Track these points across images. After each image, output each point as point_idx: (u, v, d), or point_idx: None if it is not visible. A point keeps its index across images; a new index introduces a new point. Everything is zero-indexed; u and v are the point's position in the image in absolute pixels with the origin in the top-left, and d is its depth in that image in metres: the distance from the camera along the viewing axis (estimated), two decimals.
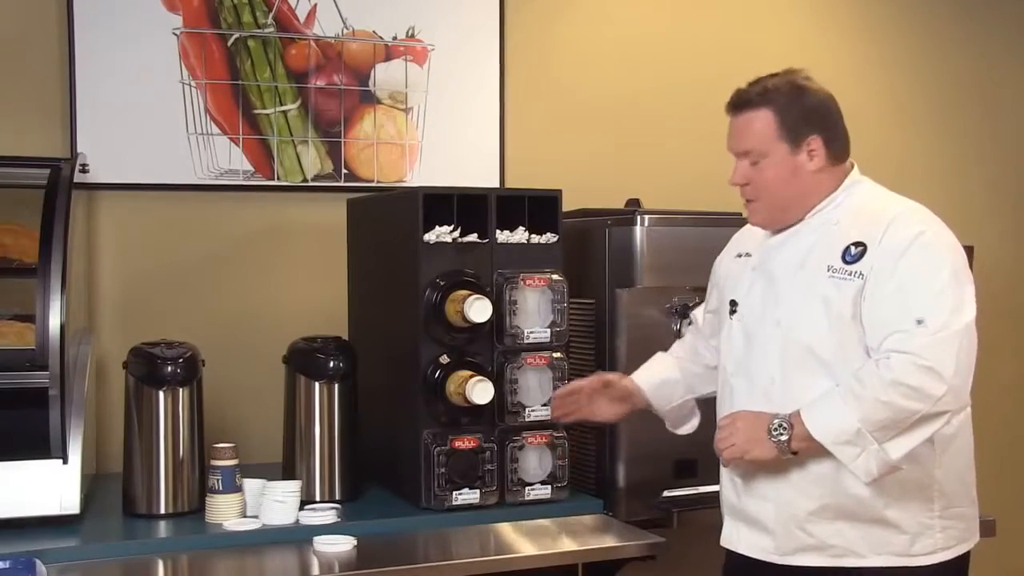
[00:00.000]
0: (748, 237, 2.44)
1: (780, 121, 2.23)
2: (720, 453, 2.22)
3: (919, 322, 2.07)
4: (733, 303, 2.36)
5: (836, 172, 2.27)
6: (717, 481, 2.40)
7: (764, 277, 2.31)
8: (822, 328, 2.17)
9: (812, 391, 2.15)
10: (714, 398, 2.54)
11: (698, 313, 2.63)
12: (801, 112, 2.23)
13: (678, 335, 2.76)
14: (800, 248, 2.26)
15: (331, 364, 2.74)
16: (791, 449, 2.13)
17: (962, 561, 2.26)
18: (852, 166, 2.31)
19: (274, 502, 2.53)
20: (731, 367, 2.35)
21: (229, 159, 3.23)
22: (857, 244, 2.18)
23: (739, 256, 2.42)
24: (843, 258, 2.18)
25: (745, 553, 2.30)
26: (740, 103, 2.27)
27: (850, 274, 2.16)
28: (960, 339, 2.07)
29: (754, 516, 2.27)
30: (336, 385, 2.74)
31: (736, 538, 2.33)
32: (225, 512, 2.53)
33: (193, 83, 3.19)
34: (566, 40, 3.65)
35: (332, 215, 3.23)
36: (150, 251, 3.17)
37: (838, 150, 2.27)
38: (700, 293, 2.67)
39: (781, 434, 2.12)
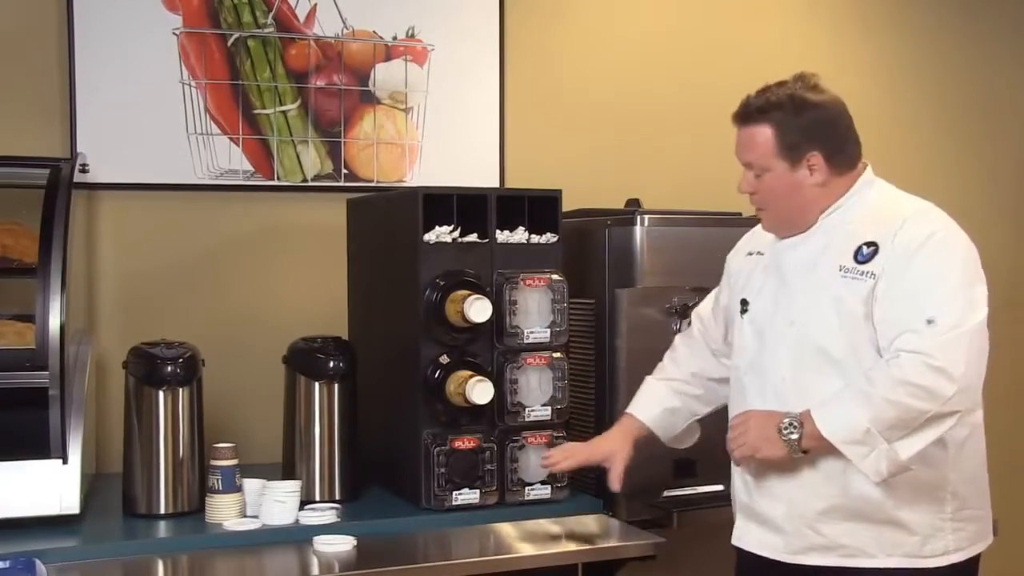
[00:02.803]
0: (761, 235, 2.43)
1: (779, 139, 2.21)
2: (732, 452, 2.22)
3: (929, 322, 2.06)
4: (744, 302, 2.35)
5: (843, 180, 2.25)
6: (717, 481, 2.40)
7: (776, 277, 2.31)
8: (833, 328, 2.17)
9: (823, 391, 2.15)
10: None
11: (703, 310, 2.61)
12: (800, 129, 2.21)
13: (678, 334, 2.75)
14: (812, 249, 2.26)
15: (331, 364, 2.74)
16: (801, 448, 2.12)
17: (973, 563, 2.25)
18: (865, 167, 2.29)
19: (274, 502, 2.53)
20: (744, 366, 2.34)
21: (229, 159, 3.23)
22: (869, 244, 2.18)
23: (750, 254, 2.42)
24: (855, 258, 2.18)
25: (755, 551, 2.30)
26: (743, 116, 2.26)
27: (862, 274, 2.16)
28: (971, 339, 2.06)
29: (765, 515, 2.27)
30: (336, 385, 2.74)
31: (747, 536, 2.33)
32: (225, 512, 2.53)
33: (193, 83, 3.19)
34: (566, 40, 3.65)
35: (332, 215, 3.22)
36: (150, 251, 3.17)
37: (841, 162, 2.24)
38: (700, 293, 2.67)
39: (791, 433, 2.12)
